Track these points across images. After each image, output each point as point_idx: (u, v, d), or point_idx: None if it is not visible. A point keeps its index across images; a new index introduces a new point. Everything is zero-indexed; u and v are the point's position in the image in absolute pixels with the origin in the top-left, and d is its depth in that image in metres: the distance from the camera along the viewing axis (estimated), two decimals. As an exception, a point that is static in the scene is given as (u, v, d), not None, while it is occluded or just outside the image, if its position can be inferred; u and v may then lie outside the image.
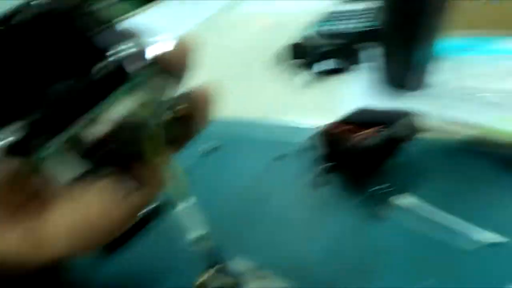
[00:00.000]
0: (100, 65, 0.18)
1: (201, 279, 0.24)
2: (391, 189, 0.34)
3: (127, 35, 0.19)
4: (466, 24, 0.53)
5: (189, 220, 0.23)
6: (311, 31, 0.66)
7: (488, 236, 0.29)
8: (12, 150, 0.18)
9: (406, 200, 0.33)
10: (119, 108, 0.19)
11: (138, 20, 1.00)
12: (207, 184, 0.38)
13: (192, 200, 0.22)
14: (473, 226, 0.30)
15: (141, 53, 0.20)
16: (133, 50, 0.19)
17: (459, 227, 0.30)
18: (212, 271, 0.24)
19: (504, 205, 0.32)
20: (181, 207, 0.22)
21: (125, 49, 0.19)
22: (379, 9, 0.60)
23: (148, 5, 1.09)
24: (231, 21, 0.91)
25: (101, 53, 0.19)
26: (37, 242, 0.20)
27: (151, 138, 0.20)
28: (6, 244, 0.20)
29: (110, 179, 0.20)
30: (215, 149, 0.43)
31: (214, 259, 0.24)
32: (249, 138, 0.44)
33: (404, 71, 0.48)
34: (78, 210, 0.20)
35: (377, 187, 0.34)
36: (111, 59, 0.19)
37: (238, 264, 0.28)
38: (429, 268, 0.28)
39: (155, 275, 0.31)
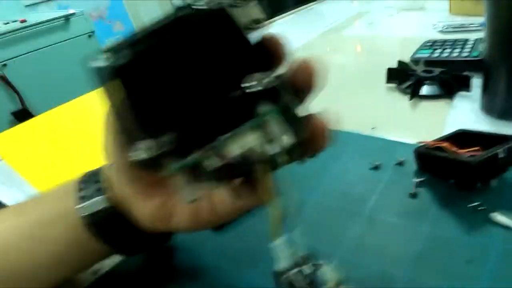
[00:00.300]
0: (259, 76, 0.17)
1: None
2: (488, 207, 0.36)
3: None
4: None
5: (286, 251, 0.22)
6: (416, 57, 0.69)
7: None
8: (142, 163, 0.18)
9: (505, 219, 0.34)
10: (246, 141, 0.18)
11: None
12: (304, 184, 0.43)
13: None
14: None
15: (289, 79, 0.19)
16: (285, 72, 0.19)
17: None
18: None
19: None
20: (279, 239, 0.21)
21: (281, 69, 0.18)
22: (482, 39, 0.61)
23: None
24: (335, 42, 0.96)
25: (257, 63, 0.18)
26: (167, 216, 0.26)
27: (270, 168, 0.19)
28: (143, 211, 0.26)
29: (228, 185, 0.23)
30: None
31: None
32: (350, 147, 0.48)
33: (507, 102, 0.49)
34: (202, 200, 0.25)
35: (476, 203, 0.36)
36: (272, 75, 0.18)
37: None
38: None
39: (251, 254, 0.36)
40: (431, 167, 0.40)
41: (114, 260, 0.36)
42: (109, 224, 0.27)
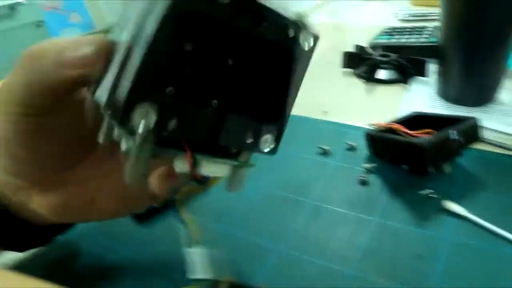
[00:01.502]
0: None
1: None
2: (441, 195, 0.33)
3: None
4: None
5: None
6: (374, 42, 0.66)
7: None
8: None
9: (457, 207, 0.31)
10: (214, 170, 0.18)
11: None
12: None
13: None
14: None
15: None
16: None
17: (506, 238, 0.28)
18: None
19: None
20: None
21: None
22: (439, 27, 0.59)
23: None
24: None
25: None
26: (90, 201, 0.22)
27: None
28: (49, 202, 0.21)
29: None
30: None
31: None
32: (299, 133, 0.44)
33: (462, 87, 0.47)
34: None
35: (428, 191, 0.33)
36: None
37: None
38: (471, 275, 0.26)
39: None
40: (383, 152, 0.37)
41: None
42: None
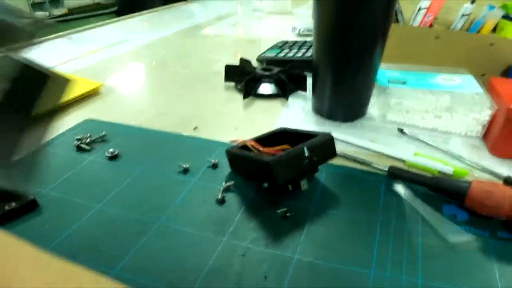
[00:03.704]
0: None
1: None
2: (298, 212, 0.32)
3: None
4: (403, 57, 0.54)
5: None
6: (261, 56, 0.65)
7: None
8: None
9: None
10: None
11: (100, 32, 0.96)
12: (104, 187, 0.34)
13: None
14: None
15: None
16: None
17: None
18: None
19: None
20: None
21: None
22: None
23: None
24: (191, 39, 0.90)
25: None
26: None
27: None
28: None
29: None
30: (118, 155, 0.39)
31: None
32: (162, 149, 0.41)
33: (333, 103, 0.48)
34: None
35: (284, 209, 0.32)
36: None
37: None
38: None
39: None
40: (241, 169, 0.35)
41: None
42: None
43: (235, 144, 0.36)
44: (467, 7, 0.56)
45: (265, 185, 0.34)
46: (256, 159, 0.31)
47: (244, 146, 0.34)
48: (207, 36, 0.93)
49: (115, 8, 1.85)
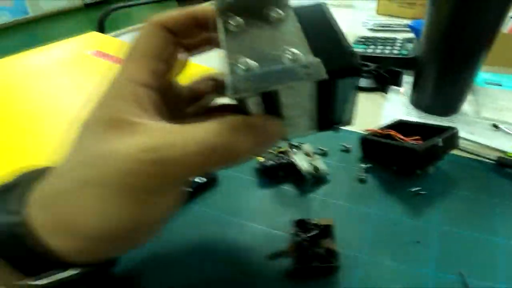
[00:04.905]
0: None
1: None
2: (428, 192, 0.39)
3: None
4: (499, 60, 0.60)
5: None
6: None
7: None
8: None
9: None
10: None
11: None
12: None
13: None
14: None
15: None
16: None
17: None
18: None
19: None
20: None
21: None
22: (413, 40, 0.66)
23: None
24: None
25: None
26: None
27: None
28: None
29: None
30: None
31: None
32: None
33: (434, 98, 0.54)
34: None
35: (417, 188, 0.39)
36: None
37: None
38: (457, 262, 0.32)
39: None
40: (375, 154, 0.43)
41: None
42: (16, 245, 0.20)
43: (368, 132, 0.43)
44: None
45: (394, 168, 0.41)
46: (401, 146, 0.38)
47: (383, 135, 0.41)
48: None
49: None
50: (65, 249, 0.20)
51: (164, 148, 0.19)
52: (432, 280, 0.31)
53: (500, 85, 0.54)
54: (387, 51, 0.69)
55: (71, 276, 0.21)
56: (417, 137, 0.40)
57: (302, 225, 0.32)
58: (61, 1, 4.73)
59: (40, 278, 0.20)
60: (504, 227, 0.35)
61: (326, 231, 0.32)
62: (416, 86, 0.56)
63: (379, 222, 0.36)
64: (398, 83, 0.61)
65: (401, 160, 0.39)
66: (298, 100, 0.21)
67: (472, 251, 0.33)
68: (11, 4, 3.89)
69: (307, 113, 0.22)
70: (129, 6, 1.87)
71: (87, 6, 5.01)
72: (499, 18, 0.47)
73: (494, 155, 0.43)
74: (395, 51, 0.69)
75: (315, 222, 0.32)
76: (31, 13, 4.38)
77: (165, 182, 0.20)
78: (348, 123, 0.25)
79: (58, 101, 0.56)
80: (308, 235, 0.31)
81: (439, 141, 0.38)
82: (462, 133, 0.49)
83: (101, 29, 1.44)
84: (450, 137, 0.39)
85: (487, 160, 0.44)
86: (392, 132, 0.40)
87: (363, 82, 0.61)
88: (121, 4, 1.65)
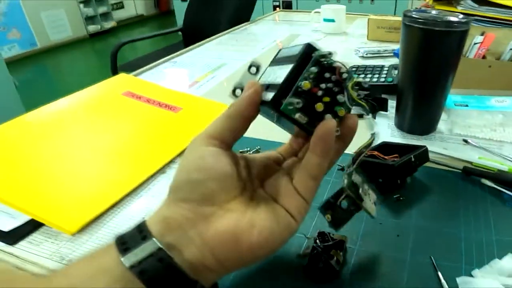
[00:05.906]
0: None
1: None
2: (406, 198, 0.50)
3: None
4: (465, 83, 0.71)
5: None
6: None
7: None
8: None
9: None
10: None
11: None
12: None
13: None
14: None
15: None
16: None
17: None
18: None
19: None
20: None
21: None
22: (397, 68, 0.78)
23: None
24: None
25: None
26: (251, 224, 0.28)
27: None
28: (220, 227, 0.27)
29: None
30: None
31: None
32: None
33: (414, 120, 0.65)
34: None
35: (397, 195, 0.50)
36: None
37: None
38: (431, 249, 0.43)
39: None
40: (364, 170, 0.54)
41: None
42: (160, 269, 0.25)
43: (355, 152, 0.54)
44: (513, 41, 0.72)
45: (380, 180, 0.52)
46: (382, 163, 0.49)
47: (369, 155, 0.52)
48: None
49: (178, 27, 2.06)
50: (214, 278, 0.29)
51: None
52: (409, 264, 0.41)
53: (467, 106, 0.65)
54: (375, 79, 0.81)
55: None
56: (395, 155, 0.51)
57: (322, 236, 0.42)
58: (67, 32, 4.92)
59: None
60: (465, 223, 0.46)
61: (339, 244, 0.41)
62: (398, 110, 0.67)
63: (369, 221, 0.47)
64: (384, 108, 0.73)
65: (383, 174, 0.50)
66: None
67: (440, 241, 0.43)
68: (19, 36, 4.03)
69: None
70: (138, 40, 2.03)
71: (92, 36, 5.21)
72: (458, 48, 0.58)
73: (461, 165, 0.54)
74: (382, 79, 0.81)
75: (332, 235, 0.42)
76: (39, 45, 4.57)
77: None
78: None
79: (106, 137, 0.66)
80: (324, 244, 0.40)
81: (411, 157, 0.49)
82: (437, 149, 0.60)
83: (114, 61, 1.61)
84: (421, 153, 0.50)
85: (455, 170, 0.55)
86: (376, 153, 0.51)
87: (356, 110, 0.72)
88: (130, 38, 1.79)
